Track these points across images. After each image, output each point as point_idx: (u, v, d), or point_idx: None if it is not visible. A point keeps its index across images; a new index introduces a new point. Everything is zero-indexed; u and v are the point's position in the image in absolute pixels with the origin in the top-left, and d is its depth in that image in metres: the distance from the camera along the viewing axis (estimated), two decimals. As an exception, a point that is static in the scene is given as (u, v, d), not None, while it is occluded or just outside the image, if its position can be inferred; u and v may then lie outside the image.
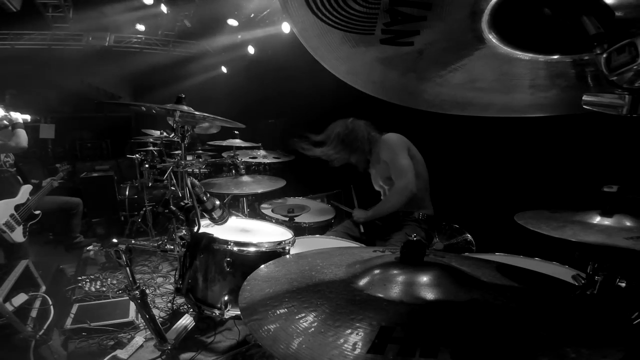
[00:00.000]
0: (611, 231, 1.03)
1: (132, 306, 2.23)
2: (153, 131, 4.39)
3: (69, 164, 3.79)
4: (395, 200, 2.18)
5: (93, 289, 2.62)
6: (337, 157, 2.36)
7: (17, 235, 2.87)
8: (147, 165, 3.69)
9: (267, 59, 5.12)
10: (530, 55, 0.63)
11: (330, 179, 3.64)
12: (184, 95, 2.00)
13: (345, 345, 0.54)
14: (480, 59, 0.65)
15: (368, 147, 2.33)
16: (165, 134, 4.02)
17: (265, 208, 2.75)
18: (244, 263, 1.49)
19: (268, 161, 3.56)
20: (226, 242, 1.49)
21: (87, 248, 3.28)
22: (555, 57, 0.63)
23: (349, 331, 0.56)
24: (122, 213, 4.28)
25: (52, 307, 1.93)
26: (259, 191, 2.53)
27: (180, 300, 2.41)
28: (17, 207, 2.95)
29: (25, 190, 3.11)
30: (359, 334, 0.56)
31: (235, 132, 3.31)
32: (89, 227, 4.11)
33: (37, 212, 3.14)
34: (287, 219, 2.31)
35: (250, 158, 3.36)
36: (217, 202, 1.45)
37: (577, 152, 2.02)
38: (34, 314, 1.87)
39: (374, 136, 2.34)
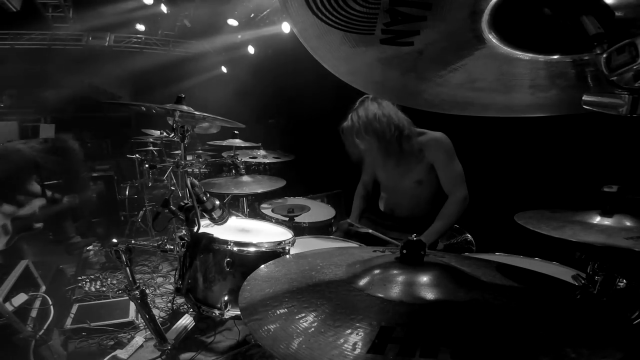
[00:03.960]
0: (611, 231, 1.03)
1: (132, 306, 2.23)
2: (153, 131, 4.40)
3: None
4: (457, 213, 1.96)
5: (93, 289, 2.62)
6: (365, 146, 2.04)
7: None
8: (147, 165, 3.69)
9: (267, 59, 5.12)
10: (530, 55, 0.63)
11: (330, 179, 3.65)
12: (184, 95, 2.00)
13: (345, 345, 0.54)
14: (480, 59, 0.65)
15: (397, 135, 1.98)
16: (165, 134, 4.03)
17: (265, 208, 2.75)
18: (244, 263, 1.49)
19: (268, 161, 3.56)
20: (226, 242, 1.49)
21: (87, 248, 3.28)
22: (555, 57, 0.63)
23: (349, 331, 0.56)
24: (122, 213, 4.28)
25: (52, 307, 1.93)
26: (259, 191, 2.53)
27: (180, 300, 2.41)
28: (15, 219, 2.84)
29: (34, 204, 3.04)
30: (359, 334, 0.56)
31: (235, 132, 3.31)
32: (89, 227, 4.11)
33: (39, 224, 3.04)
34: (287, 219, 2.31)
35: (250, 158, 3.36)
36: (217, 202, 1.45)
37: (577, 152, 2.01)
38: (34, 314, 1.87)
39: (411, 130, 2.02)
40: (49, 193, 3.25)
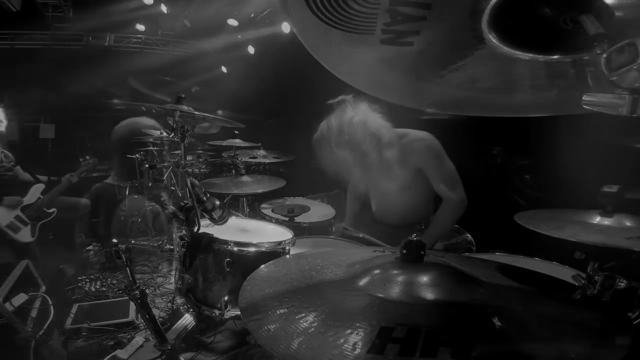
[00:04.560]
0: (611, 231, 1.04)
1: (132, 306, 2.23)
2: (153, 131, 4.39)
3: (93, 157, 3.75)
4: (452, 217, 1.85)
5: (93, 289, 2.61)
6: (335, 157, 1.88)
7: (24, 235, 2.90)
8: (147, 165, 3.69)
9: (267, 59, 5.12)
10: (530, 55, 0.63)
11: (330, 179, 3.64)
12: (184, 95, 2.00)
13: (345, 345, 0.54)
14: (480, 59, 0.65)
15: (374, 145, 1.82)
16: (165, 134, 4.02)
17: (265, 208, 2.75)
18: (244, 263, 1.49)
19: (268, 161, 3.56)
20: (226, 242, 1.49)
21: (87, 248, 3.28)
22: (555, 57, 0.63)
23: (349, 331, 0.56)
24: (122, 213, 4.28)
25: (52, 307, 1.94)
26: (259, 191, 2.53)
27: (180, 300, 2.41)
28: (24, 208, 2.99)
29: (35, 190, 3.14)
30: (359, 334, 0.56)
31: (235, 132, 3.31)
32: (88, 227, 4.11)
33: (51, 210, 3.18)
34: (287, 219, 2.30)
35: (250, 158, 3.36)
36: (217, 202, 1.46)
37: (577, 152, 2.02)
38: (34, 314, 1.87)
39: (391, 136, 1.84)
40: (44, 178, 3.33)
